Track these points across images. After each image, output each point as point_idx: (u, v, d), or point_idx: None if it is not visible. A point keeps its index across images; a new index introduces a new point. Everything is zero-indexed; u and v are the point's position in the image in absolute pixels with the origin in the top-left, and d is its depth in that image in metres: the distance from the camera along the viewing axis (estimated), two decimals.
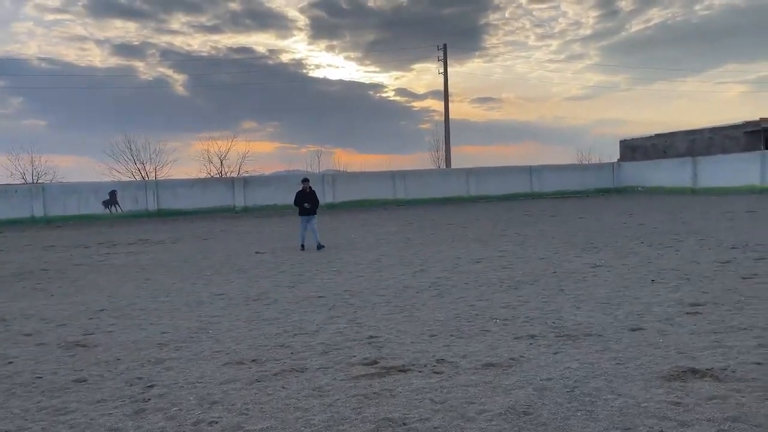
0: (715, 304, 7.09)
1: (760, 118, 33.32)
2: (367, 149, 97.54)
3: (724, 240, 13.07)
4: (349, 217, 28.35)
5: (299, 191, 15.68)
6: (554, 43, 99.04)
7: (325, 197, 32.19)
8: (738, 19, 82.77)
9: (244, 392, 4.68)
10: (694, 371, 4.69)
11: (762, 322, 6.13)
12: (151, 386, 4.93)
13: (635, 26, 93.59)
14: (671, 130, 39.50)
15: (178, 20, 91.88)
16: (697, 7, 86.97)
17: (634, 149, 42.25)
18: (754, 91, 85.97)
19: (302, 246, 15.34)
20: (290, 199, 17.85)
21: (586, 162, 49.73)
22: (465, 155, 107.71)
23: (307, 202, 15.40)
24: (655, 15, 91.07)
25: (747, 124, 33.83)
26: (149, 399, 4.62)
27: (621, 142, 44.02)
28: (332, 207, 33.74)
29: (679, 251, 11.76)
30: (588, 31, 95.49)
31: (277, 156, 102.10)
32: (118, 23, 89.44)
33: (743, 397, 4.13)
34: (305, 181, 15.83)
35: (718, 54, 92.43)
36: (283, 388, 4.75)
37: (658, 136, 40.40)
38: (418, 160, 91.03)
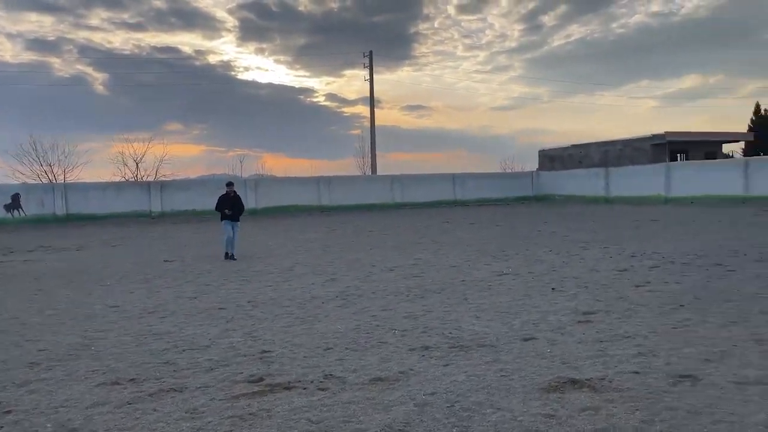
0: (606, 312, 7.33)
1: (666, 132, 35.32)
2: (297, 154, 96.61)
3: (626, 248, 13.67)
4: (272, 223, 27.83)
5: (222, 195, 14.94)
6: (481, 54, 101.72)
7: (247, 203, 31.42)
8: (650, 38, 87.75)
9: (109, 416, 4.35)
10: (573, 382, 4.76)
11: (645, 330, 6.37)
12: (8, 412, 4.51)
13: (557, 41, 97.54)
14: (587, 141, 41.30)
15: (97, 16, 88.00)
16: (613, 25, 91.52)
17: (552, 159, 43.84)
18: (664, 106, 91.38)
19: (226, 254, 14.45)
20: (211, 204, 17.20)
21: (509, 170, 51.17)
22: (394, 162, 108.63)
23: (228, 207, 14.60)
24: (576, 31, 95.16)
25: (654, 137, 35.75)
26: (1, 427, 4.22)
27: (540, 152, 45.57)
28: (254, 213, 33.01)
29: (583, 259, 12.18)
30: (513, 44, 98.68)
31: (205, 159, 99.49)
32: (33, 17, 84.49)
33: (615, 407, 4.21)
34: (230, 185, 15.03)
35: (632, 70, 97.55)
36: (155, 410, 4.45)
37: (574, 146, 42.10)
38: (347, 165, 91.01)
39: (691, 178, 30.70)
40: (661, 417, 4.02)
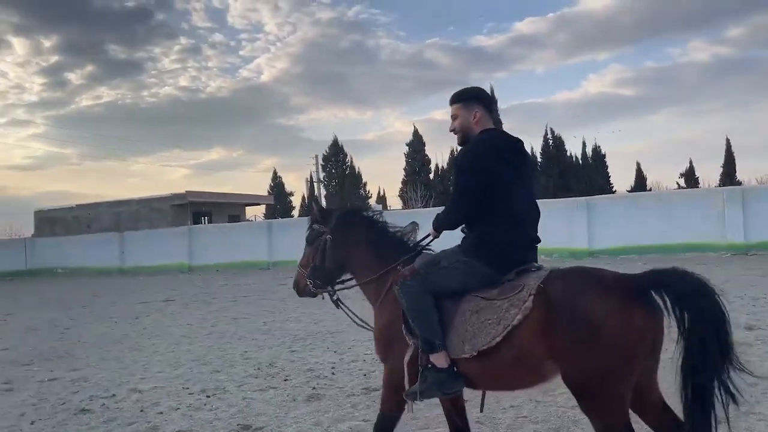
0: None
1: (186, 191, 31.81)
2: None
3: None
4: None
5: None
6: None
7: None
8: (180, 110, 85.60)
9: None
10: None
11: None
12: None
13: (85, 101, 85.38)
14: (95, 201, 34.53)
15: None
16: (144, 93, 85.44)
17: (53, 222, 35.06)
18: (196, 174, 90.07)
19: None
20: None
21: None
22: None
23: None
24: (105, 93, 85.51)
25: (174, 196, 31.79)
26: None
27: (36, 213, 36.09)
28: None
29: None
30: (34, 98, 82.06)
31: None
32: None
33: None
34: None
35: (163, 138, 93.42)
36: None
37: (79, 207, 34.55)
38: None
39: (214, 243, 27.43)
40: None
